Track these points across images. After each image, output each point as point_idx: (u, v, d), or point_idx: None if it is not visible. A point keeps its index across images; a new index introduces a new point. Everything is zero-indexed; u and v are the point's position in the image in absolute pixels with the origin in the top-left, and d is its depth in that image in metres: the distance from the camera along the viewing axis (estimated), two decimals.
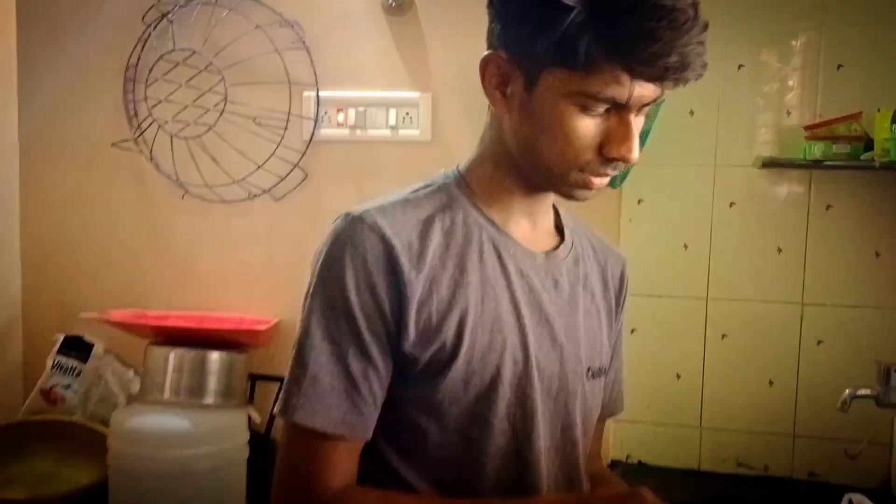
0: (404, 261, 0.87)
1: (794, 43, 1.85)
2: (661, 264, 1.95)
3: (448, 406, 0.89)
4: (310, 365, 0.86)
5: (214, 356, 1.91)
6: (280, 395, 0.89)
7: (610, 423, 1.92)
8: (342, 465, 0.88)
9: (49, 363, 2.19)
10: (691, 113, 1.90)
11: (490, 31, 0.89)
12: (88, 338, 2.21)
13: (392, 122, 2.05)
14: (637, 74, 0.80)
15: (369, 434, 0.89)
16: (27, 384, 2.27)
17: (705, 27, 0.80)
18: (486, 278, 0.91)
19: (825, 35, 1.82)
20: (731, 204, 1.90)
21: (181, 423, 1.85)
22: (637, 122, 0.86)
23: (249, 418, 1.99)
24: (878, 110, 1.69)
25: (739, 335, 1.93)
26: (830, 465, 1.84)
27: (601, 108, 0.83)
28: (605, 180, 0.90)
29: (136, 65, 2.11)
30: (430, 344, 0.87)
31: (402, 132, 2.05)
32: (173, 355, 1.90)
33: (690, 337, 1.95)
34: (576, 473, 0.98)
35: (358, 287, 0.86)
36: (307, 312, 0.89)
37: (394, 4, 2.02)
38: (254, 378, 2.07)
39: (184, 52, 2.05)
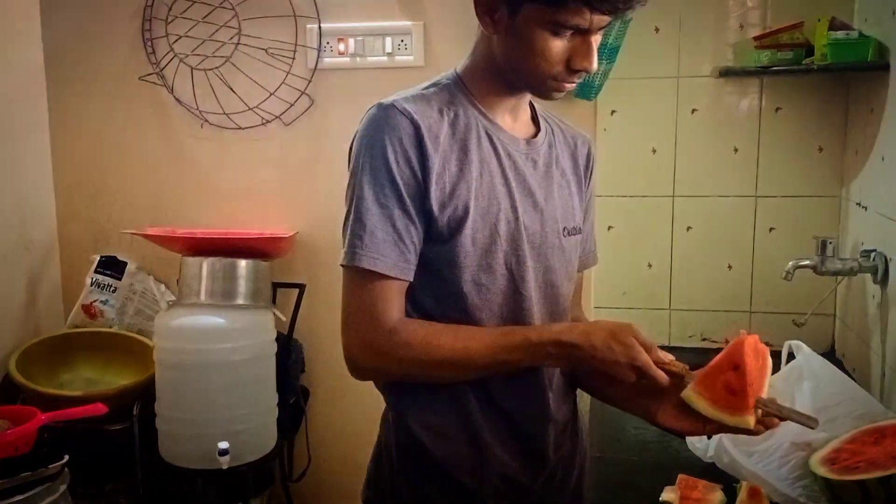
0: (427, 140, 1.10)
1: None
2: (633, 168, 2.20)
3: (463, 259, 1.14)
4: (367, 223, 1.10)
5: (243, 263, 2.15)
6: (344, 251, 1.12)
7: (591, 309, 2.21)
8: (396, 301, 1.12)
9: (87, 281, 2.42)
10: (656, 30, 2.12)
11: None
12: (122, 257, 2.45)
13: (388, 49, 2.26)
14: (595, 9, 1.04)
15: (411, 277, 1.13)
16: (67, 301, 2.50)
17: None
18: (482, 158, 1.15)
19: None
20: (693, 111, 2.15)
21: (217, 321, 2.11)
22: (595, 41, 1.10)
23: (276, 319, 2.24)
24: (818, 20, 1.93)
25: (702, 227, 2.19)
26: (783, 336, 2.10)
27: (568, 33, 1.07)
28: (573, 85, 1.14)
29: (153, 4, 2.29)
30: (445, 208, 1.12)
31: (397, 58, 2.26)
32: (207, 263, 2.13)
33: (660, 231, 2.21)
34: (557, 308, 1.24)
35: (397, 160, 1.09)
36: (359, 183, 1.12)
37: None
38: (275, 286, 2.31)
39: None
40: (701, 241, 2.20)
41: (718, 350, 2.23)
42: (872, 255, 1.77)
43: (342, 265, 1.13)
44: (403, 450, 1.19)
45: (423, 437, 1.17)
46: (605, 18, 1.07)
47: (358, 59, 2.28)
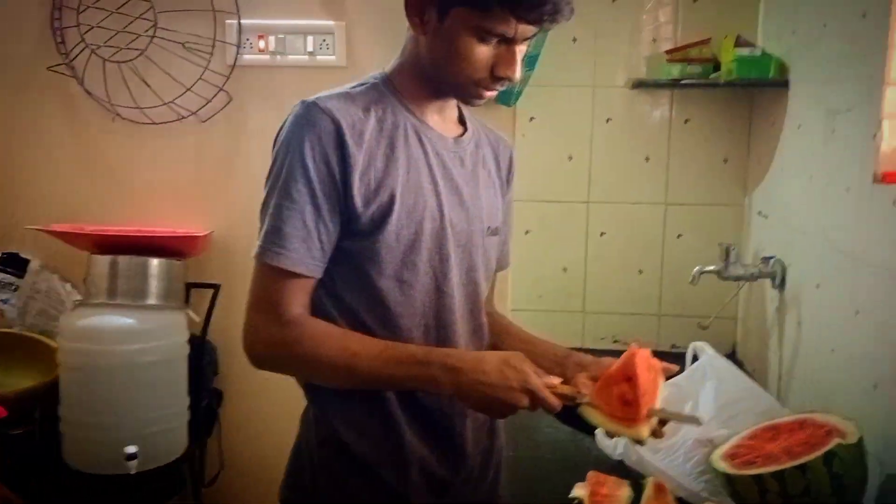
0: (349, 138, 1.11)
1: None
2: (550, 173, 2.25)
3: (385, 254, 1.15)
4: (277, 219, 1.11)
5: (155, 262, 2.10)
6: (257, 244, 1.13)
7: (508, 312, 2.24)
8: (299, 297, 1.14)
9: None
10: (574, 40, 2.17)
11: None
12: (24, 254, 2.35)
13: (310, 48, 2.25)
14: (520, 18, 1.07)
15: (319, 274, 1.14)
16: None
17: None
18: (410, 155, 1.17)
19: None
20: (608, 120, 2.21)
21: (126, 321, 2.04)
22: (520, 50, 1.13)
23: (189, 320, 2.19)
24: (725, 37, 2.02)
25: (615, 232, 2.26)
26: (689, 338, 2.18)
27: (494, 40, 1.10)
28: (494, 93, 1.17)
29: None
30: (370, 204, 1.13)
31: (319, 58, 2.25)
32: (116, 262, 2.07)
33: (575, 236, 2.27)
34: (477, 305, 1.27)
35: (314, 157, 1.10)
36: (273, 178, 1.13)
37: None
38: (189, 286, 2.26)
39: None
40: (614, 246, 2.27)
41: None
42: (771, 261, 1.86)
43: (253, 257, 1.14)
44: (325, 446, 1.20)
45: (345, 434, 1.18)
46: (531, 29, 1.10)
47: (278, 57, 2.26)
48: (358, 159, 1.12)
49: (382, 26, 2.19)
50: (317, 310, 1.17)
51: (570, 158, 2.24)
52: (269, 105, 2.25)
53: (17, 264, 2.34)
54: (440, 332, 1.21)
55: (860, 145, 1.45)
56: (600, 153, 2.23)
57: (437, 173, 1.19)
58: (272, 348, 1.14)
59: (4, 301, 2.33)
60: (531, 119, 2.23)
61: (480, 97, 1.17)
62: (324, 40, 2.25)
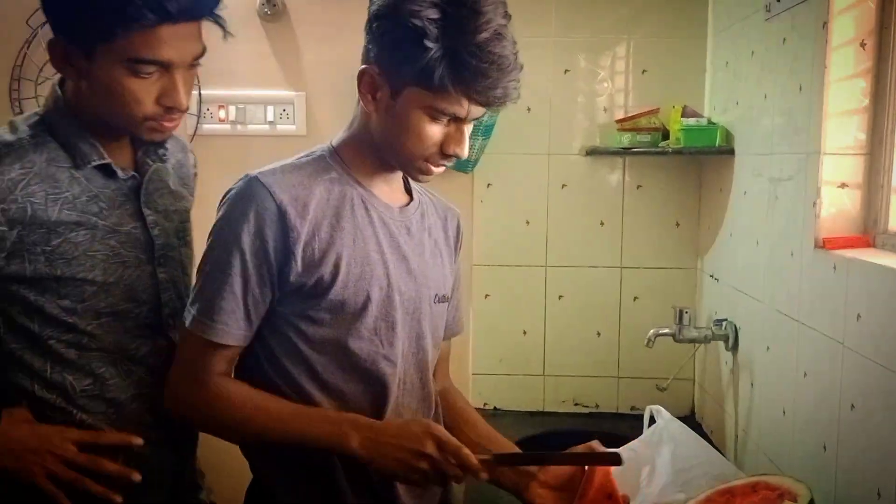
0: (290, 212, 1.13)
1: (608, 52, 2.23)
2: (508, 238, 2.29)
3: (329, 320, 1.17)
4: (206, 289, 1.14)
5: None
6: (188, 311, 1.16)
7: (469, 376, 2.25)
8: (222, 364, 1.16)
9: None
10: (528, 110, 2.24)
11: (366, 49, 1.16)
12: None
13: (270, 117, 2.28)
14: (472, 101, 1.12)
15: (245, 343, 1.17)
16: None
17: (521, 68, 1.13)
18: (356, 225, 1.19)
19: (633, 45, 2.22)
20: (563, 186, 2.27)
21: None
22: (468, 129, 1.18)
23: None
24: (673, 107, 2.10)
25: (573, 295, 2.29)
26: (648, 400, 2.20)
27: (445, 119, 1.14)
28: (441, 169, 1.21)
29: (22, 64, 2.23)
30: (312, 274, 1.15)
31: (279, 127, 2.29)
32: None
33: (533, 299, 2.30)
34: (425, 374, 1.28)
35: (249, 231, 1.13)
36: (208, 248, 1.16)
37: (269, 12, 2.25)
38: None
39: None
40: (572, 308, 2.30)
41: (590, 414, 2.31)
42: (724, 324, 1.91)
43: (182, 324, 1.17)
44: None
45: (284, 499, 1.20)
46: (481, 110, 1.14)
47: (239, 126, 2.29)
48: (301, 231, 1.14)
49: (341, 97, 2.21)
50: (256, 373, 1.19)
51: (528, 223, 2.28)
52: (229, 174, 2.19)
53: None
54: (383, 400, 1.21)
55: (802, 212, 1.51)
56: (557, 218, 2.28)
57: (384, 242, 1.21)
58: (191, 408, 1.17)
59: None
60: (488, 185, 2.28)
61: (428, 172, 1.20)
62: (284, 110, 2.29)
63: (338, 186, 1.19)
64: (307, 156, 1.23)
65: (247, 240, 1.12)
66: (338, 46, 2.23)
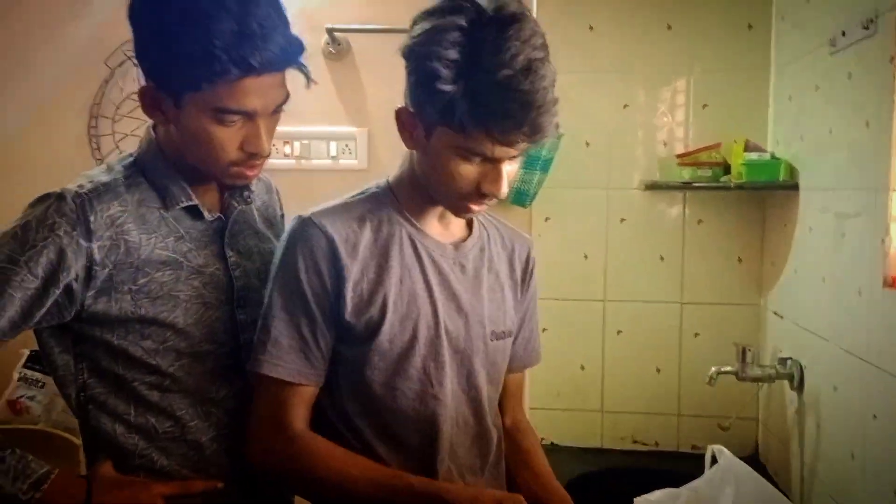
0: (342, 250, 1.16)
1: (667, 86, 2.22)
2: (566, 272, 2.29)
3: (378, 361, 1.18)
4: (272, 331, 1.16)
5: None
6: (251, 356, 1.17)
7: (527, 411, 2.24)
8: (300, 409, 1.17)
9: (15, 376, 2.36)
10: (587, 144, 2.25)
11: (406, 88, 1.17)
12: None
13: (333, 152, 2.34)
14: (496, 141, 1.08)
15: (320, 382, 1.18)
16: None
17: (556, 101, 1.07)
18: (404, 264, 1.20)
19: (693, 79, 2.21)
20: (622, 220, 2.26)
21: None
22: (506, 168, 1.13)
23: None
24: (735, 141, 2.08)
25: (632, 331, 2.27)
26: (709, 439, 2.15)
27: (478, 159, 1.11)
28: (483, 207, 1.20)
29: (100, 103, 2.34)
30: (362, 315, 1.17)
31: (342, 162, 2.34)
32: None
33: (591, 333, 2.28)
34: (480, 412, 1.27)
35: (307, 271, 1.15)
36: (270, 293, 1.18)
37: (333, 51, 2.32)
38: None
39: None
40: (631, 344, 2.27)
41: (649, 453, 2.27)
42: (788, 362, 1.86)
43: (247, 368, 1.17)
44: None
45: None
46: (511, 150, 1.10)
47: (303, 161, 2.35)
48: (351, 270, 1.16)
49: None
50: (316, 415, 1.20)
51: (586, 257, 2.28)
52: (294, 206, 2.30)
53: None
54: (435, 440, 1.21)
55: (870, 249, 1.47)
56: (615, 252, 2.26)
57: (433, 280, 1.22)
58: (275, 463, 1.16)
59: (31, 398, 2.37)
60: (546, 219, 2.28)
61: (468, 211, 1.20)
62: (346, 145, 2.34)
63: (387, 226, 1.21)
64: (360, 194, 1.25)
65: (304, 278, 1.15)
66: (399, 83, 2.22)
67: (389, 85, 2.31)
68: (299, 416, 1.16)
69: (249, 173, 1.19)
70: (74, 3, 2.35)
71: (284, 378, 1.15)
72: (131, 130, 2.31)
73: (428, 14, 1.11)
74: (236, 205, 1.28)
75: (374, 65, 2.35)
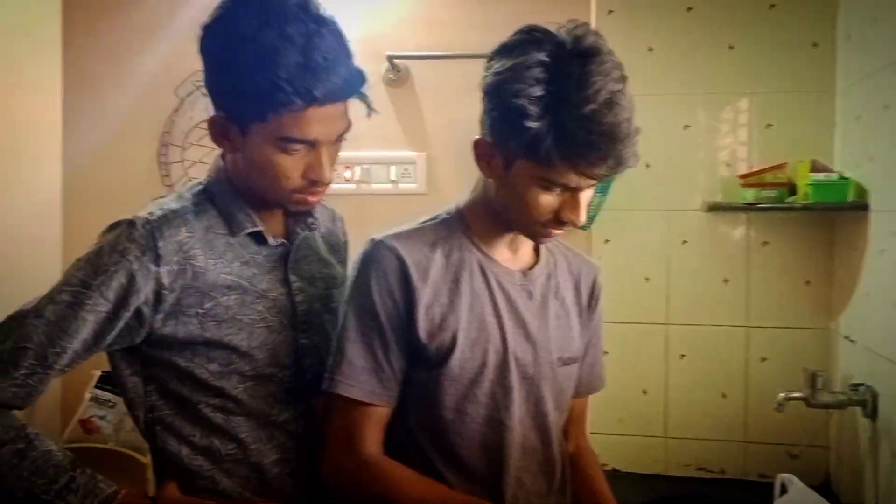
0: (414, 274, 1.17)
1: (729, 107, 2.19)
2: (627, 295, 2.26)
3: (447, 386, 1.19)
4: (347, 352, 1.18)
5: None
6: (326, 376, 1.19)
7: (587, 437, 2.21)
8: (374, 432, 1.18)
9: (87, 396, 2.44)
10: (647, 166, 2.22)
11: (482, 120, 1.18)
12: None
13: (393, 177, 2.38)
14: (582, 174, 1.10)
15: (393, 403, 1.19)
16: (65, 415, 2.50)
17: (637, 132, 1.09)
18: (474, 291, 1.22)
19: (755, 100, 2.17)
20: (684, 242, 2.22)
21: None
22: (585, 196, 1.15)
23: None
24: (801, 161, 2.04)
25: (695, 355, 2.22)
26: (778, 467, 2.09)
27: (558, 189, 1.13)
28: (560, 233, 1.21)
29: (170, 131, 2.42)
30: (434, 338, 1.18)
31: (401, 186, 2.38)
32: None
33: (654, 357, 2.25)
34: (546, 438, 1.27)
35: (381, 293, 1.17)
36: (344, 314, 1.20)
37: (393, 78, 2.36)
38: None
39: None
40: (695, 368, 2.22)
41: (714, 480, 2.21)
42: (861, 388, 1.80)
43: (323, 389, 1.19)
44: None
45: None
46: (594, 180, 1.12)
47: (363, 185, 2.39)
48: (423, 294, 1.17)
49: (461, 156, 2.26)
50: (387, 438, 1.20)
51: (647, 280, 2.25)
52: (354, 230, 2.34)
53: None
54: (502, 466, 1.21)
55: None
56: (678, 274, 2.23)
57: (502, 307, 1.22)
58: (347, 485, 1.18)
59: (101, 417, 2.44)
60: (606, 241, 2.27)
61: (547, 236, 1.21)
62: (406, 169, 2.37)
63: (457, 252, 1.22)
64: (431, 220, 1.27)
65: (377, 299, 1.17)
66: (458, 109, 2.29)
67: (449, 109, 2.38)
68: (372, 438, 1.18)
69: (311, 199, 1.22)
70: (146, 35, 2.46)
71: (358, 398, 1.16)
72: (199, 158, 2.39)
73: (507, 50, 1.13)
74: (300, 231, 1.31)
75: (434, 90, 2.38)
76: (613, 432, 2.26)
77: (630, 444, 2.25)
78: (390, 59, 2.32)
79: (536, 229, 1.19)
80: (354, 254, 1.29)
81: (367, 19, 2.37)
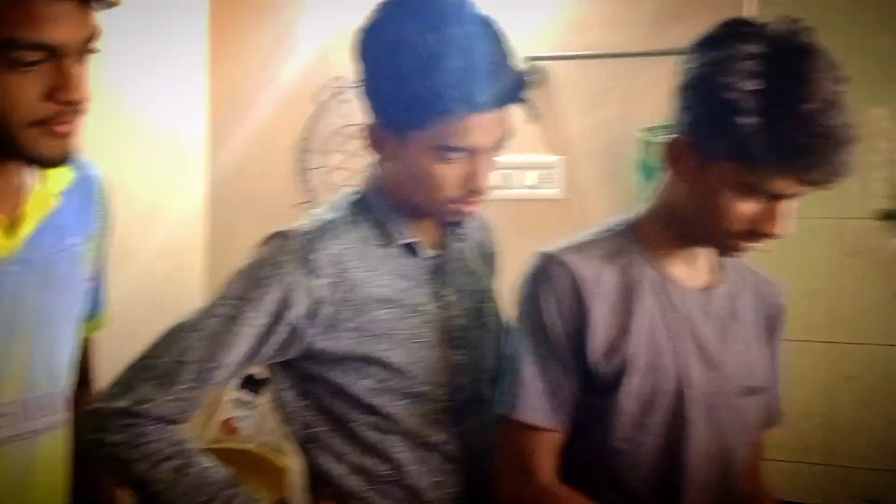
0: (586, 293, 1.10)
1: None
2: (790, 310, 2.09)
3: (619, 414, 1.10)
4: (520, 373, 1.11)
5: None
6: (501, 400, 1.13)
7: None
8: (549, 458, 1.11)
9: (225, 398, 2.50)
10: None
11: (679, 117, 1.08)
12: (260, 375, 2.51)
13: (530, 182, 2.30)
14: (797, 180, 0.99)
15: (566, 429, 1.11)
16: (203, 415, 2.57)
17: (857, 139, 0.98)
18: (648, 311, 1.12)
19: None
20: (854, 253, 2.04)
21: None
22: (788, 206, 1.04)
23: None
24: None
25: (863, 377, 2.05)
26: None
27: (760, 196, 1.02)
28: (752, 247, 1.09)
29: (308, 137, 2.45)
30: (606, 362, 1.10)
31: (539, 191, 2.30)
32: None
33: (816, 378, 2.08)
34: (729, 472, 1.16)
35: (554, 313, 1.10)
36: (517, 333, 1.14)
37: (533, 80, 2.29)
38: None
39: (352, 127, 2.37)
40: (862, 391, 2.07)
41: None
42: None
43: (497, 414, 1.13)
44: None
45: None
46: (803, 189, 1.02)
47: (500, 191, 2.33)
48: (596, 315, 1.09)
49: (603, 160, 2.20)
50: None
51: (811, 294, 2.08)
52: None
53: (255, 383, 2.51)
54: (673, 499, 1.12)
55: None
56: (846, 289, 2.06)
57: (678, 331, 1.13)
58: None
59: (242, 419, 2.50)
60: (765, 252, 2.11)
61: (737, 250, 1.10)
62: (545, 174, 2.29)
63: (631, 269, 1.14)
64: (606, 231, 1.18)
65: (549, 319, 1.10)
66: (600, 111, 2.21)
67: (590, 111, 2.28)
68: (548, 464, 1.12)
69: (468, 209, 1.16)
70: (285, 44, 2.49)
71: (533, 422, 1.10)
72: (338, 164, 2.40)
73: (713, 42, 1.04)
74: (453, 242, 1.27)
75: (574, 91, 2.29)
76: (770, 458, 2.09)
77: (788, 472, 2.09)
78: (530, 60, 2.25)
79: (727, 241, 1.08)
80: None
81: (506, 20, 2.30)
